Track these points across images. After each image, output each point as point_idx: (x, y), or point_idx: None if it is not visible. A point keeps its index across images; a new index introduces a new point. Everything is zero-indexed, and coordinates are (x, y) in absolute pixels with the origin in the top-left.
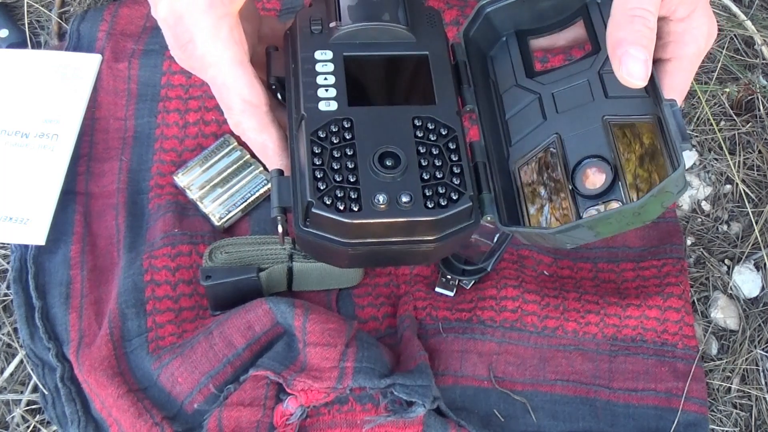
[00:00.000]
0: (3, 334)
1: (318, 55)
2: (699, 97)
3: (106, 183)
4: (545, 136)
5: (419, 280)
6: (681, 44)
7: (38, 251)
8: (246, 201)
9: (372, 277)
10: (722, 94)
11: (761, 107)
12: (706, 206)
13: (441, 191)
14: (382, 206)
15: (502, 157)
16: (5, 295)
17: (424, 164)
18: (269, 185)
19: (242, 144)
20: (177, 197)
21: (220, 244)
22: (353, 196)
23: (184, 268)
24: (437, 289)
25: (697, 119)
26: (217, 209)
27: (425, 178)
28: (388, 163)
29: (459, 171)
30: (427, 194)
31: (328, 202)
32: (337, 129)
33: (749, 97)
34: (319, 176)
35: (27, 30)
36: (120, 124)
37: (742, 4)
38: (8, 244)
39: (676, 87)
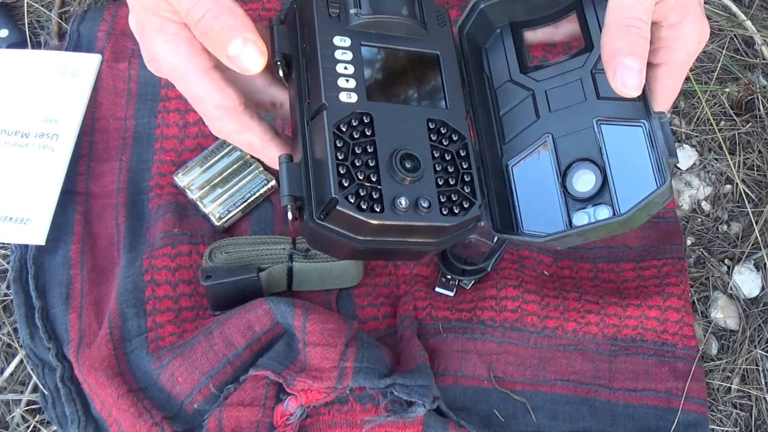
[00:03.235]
0: (3, 334)
1: (337, 41)
2: (699, 97)
3: (106, 183)
4: (538, 136)
5: (419, 280)
6: (671, 50)
7: (38, 251)
8: (246, 201)
9: (372, 277)
10: (722, 94)
11: (761, 107)
12: (706, 206)
13: (454, 198)
14: (402, 209)
15: (495, 156)
16: (5, 295)
17: (438, 169)
18: (269, 185)
19: None
20: (177, 197)
21: (220, 244)
22: (375, 196)
23: (184, 268)
24: (437, 289)
25: (697, 119)
26: (217, 209)
27: (440, 183)
28: (408, 165)
29: (469, 179)
30: (442, 200)
31: (352, 200)
32: (357, 123)
33: (749, 97)
34: (342, 172)
35: (27, 30)
36: (120, 124)
37: (742, 4)
38: (8, 244)
39: (665, 92)
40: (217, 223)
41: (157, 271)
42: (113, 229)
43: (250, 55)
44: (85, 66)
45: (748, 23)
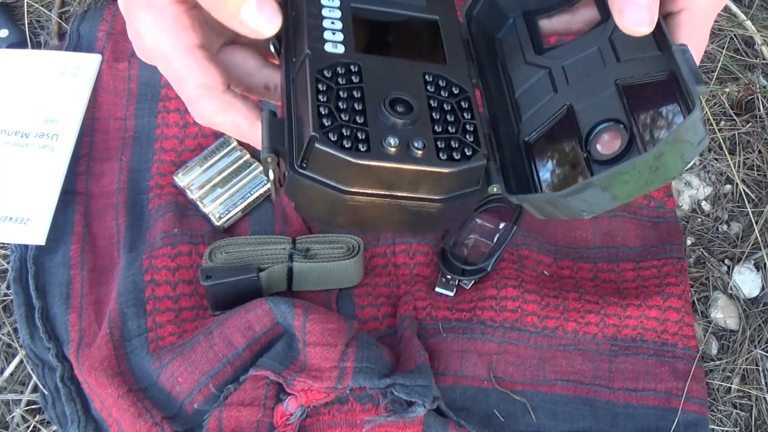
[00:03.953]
0: (3, 334)
1: (325, 1)
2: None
3: (106, 183)
4: (557, 108)
5: (419, 280)
6: None
7: (38, 251)
8: (246, 201)
9: (372, 277)
10: (722, 94)
11: (761, 107)
12: (706, 206)
13: (454, 145)
14: (392, 149)
15: (512, 132)
16: (5, 295)
17: (436, 117)
18: (269, 185)
19: (242, 144)
20: (177, 197)
21: (220, 244)
22: (361, 137)
23: (184, 268)
24: (437, 289)
25: None
26: (217, 209)
27: (437, 130)
28: (399, 109)
29: (472, 129)
30: (440, 146)
31: (333, 139)
32: (344, 71)
33: (749, 97)
34: (324, 113)
35: (27, 30)
36: (120, 124)
37: (742, 4)
38: (8, 244)
39: (690, 40)
40: (217, 223)
41: (157, 271)
42: (113, 229)
43: (265, 15)
44: (85, 66)
45: (748, 23)
